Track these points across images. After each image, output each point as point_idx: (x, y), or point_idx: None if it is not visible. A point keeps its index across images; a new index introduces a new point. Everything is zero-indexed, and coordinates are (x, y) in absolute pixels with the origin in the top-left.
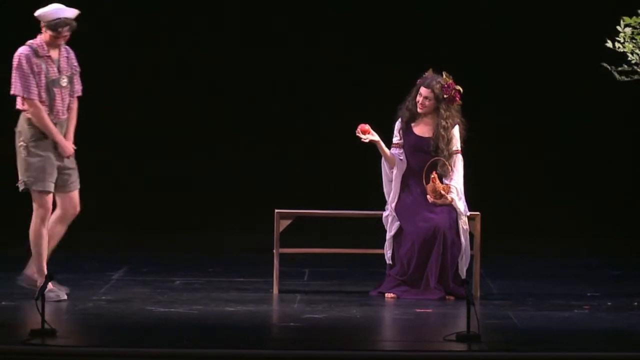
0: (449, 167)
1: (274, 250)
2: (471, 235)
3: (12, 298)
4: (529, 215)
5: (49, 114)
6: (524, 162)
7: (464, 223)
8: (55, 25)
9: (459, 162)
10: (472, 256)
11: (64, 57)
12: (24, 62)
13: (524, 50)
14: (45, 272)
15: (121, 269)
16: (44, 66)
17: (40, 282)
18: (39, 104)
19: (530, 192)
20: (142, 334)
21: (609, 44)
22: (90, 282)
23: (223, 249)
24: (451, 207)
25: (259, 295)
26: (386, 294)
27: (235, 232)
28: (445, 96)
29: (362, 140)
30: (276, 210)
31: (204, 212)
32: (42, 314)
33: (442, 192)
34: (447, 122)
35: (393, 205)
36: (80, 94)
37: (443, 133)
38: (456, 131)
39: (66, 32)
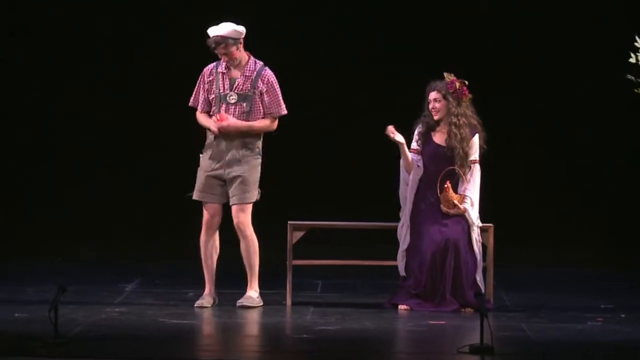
0: (464, 177)
1: (287, 262)
2: (484, 246)
3: (25, 310)
4: (542, 227)
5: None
6: (539, 174)
7: (476, 234)
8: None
9: (476, 172)
10: (485, 268)
11: (244, 76)
12: (201, 75)
13: (542, 62)
14: (207, 282)
15: (134, 281)
16: (215, 81)
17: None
18: (198, 113)
19: (544, 204)
20: (155, 345)
21: (633, 59)
22: (103, 293)
23: (236, 261)
24: (463, 219)
25: (272, 307)
26: (399, 306)
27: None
28: (451, 91)
29: (391, 137)
30: (289, 222)
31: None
32: (55, 326)
33: (455, 201)
34: (458, 120)
35: (408, 213)
36: (275, 113)
37: (455, 131)
38: (476, 140)
39: (220, 50)
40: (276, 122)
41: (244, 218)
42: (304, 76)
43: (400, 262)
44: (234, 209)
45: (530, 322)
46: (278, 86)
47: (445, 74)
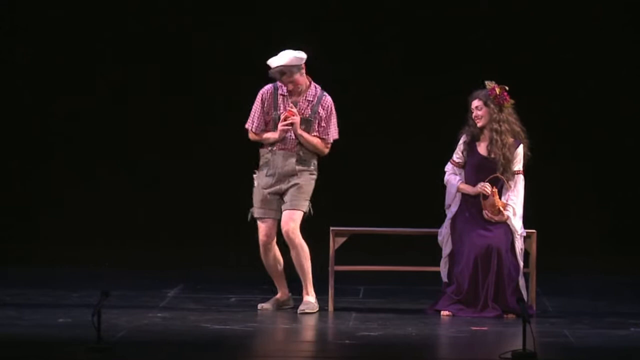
0: (508, 184)
1: (329, 268)
2: (527, 253)
3: (69, 314)
4: (585, 232)
5: (269, 146)
6: (582, 180)
7: (519, 243)
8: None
9: (519, 183)
10: (527, 274)
11: (306, 101)
12: (258, 97)
13: (583, 72)
14: (287, 293)
15: (177, 286)
16: (275, 103)
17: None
18: (251, 133)
19: (587, 210)
20: (198, 351)
21: None
22: (146, 299)
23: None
24: (507, 226)
25: (314, 312)
26: (442, 312)
27: (289, 250)
28: (492, 97)
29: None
30: (331, 228)
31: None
32: (98, 331)
33: (500, 207)
34: (500, 126)
35: (448, 221)
36: (328, 139)
37: (496, 137)
38: (520, 151)
39: (285, 80)
40: (329, 147)
41: (293, 226)
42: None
43: (443, 268)
44: (284, 215)
45: (572, 328)
46: (335, 112)
47: (486, 82)
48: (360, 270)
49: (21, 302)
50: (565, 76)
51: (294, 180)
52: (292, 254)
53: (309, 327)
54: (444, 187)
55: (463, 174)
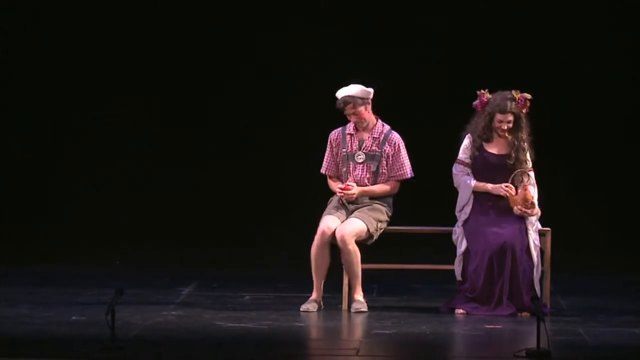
0: (528, 181)
1: (344, 266)
2: (542, 251)
3: (82, 312)
4: (600, 231)
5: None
6: (596, 178)
7: (535, 239)
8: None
9: (532, 178)
10: (542, 272)
11: (372, 138)
12: (328, 142)
13: (593, 72)
14: (315, 289)
15: (191, 284)
16: (342, 142)
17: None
18: (328, 179)
19: (601, 209)
20: (213, 349)
21: None
22: (160, 297)
23: (293, 265)
24: (521, 223)
25: (329, 311)
26: (456, 310)
27: (304, 248)
28: (523, 110)
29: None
30: None
31: (273, 228)
32: (112, 329)
33: (533, 201)
34: (524, 134)
35: (463, 218)
36: (399, 177)
37: (523, 145)
38: (527, 148)
39: (348, 110)
40: (398, 185)
41: (349, 232)
42: None
43: (457, 267)
44: (345, 221)
45: (587, 326)
46: (405, 150)
47: (513, 92)
48: (374, 268)
49: (34, 300)
50: (568, 75)
51: (368, 203)
52: (344, 258)
53: (323, 326)
54: (455, 190)
55: (471, 172)
